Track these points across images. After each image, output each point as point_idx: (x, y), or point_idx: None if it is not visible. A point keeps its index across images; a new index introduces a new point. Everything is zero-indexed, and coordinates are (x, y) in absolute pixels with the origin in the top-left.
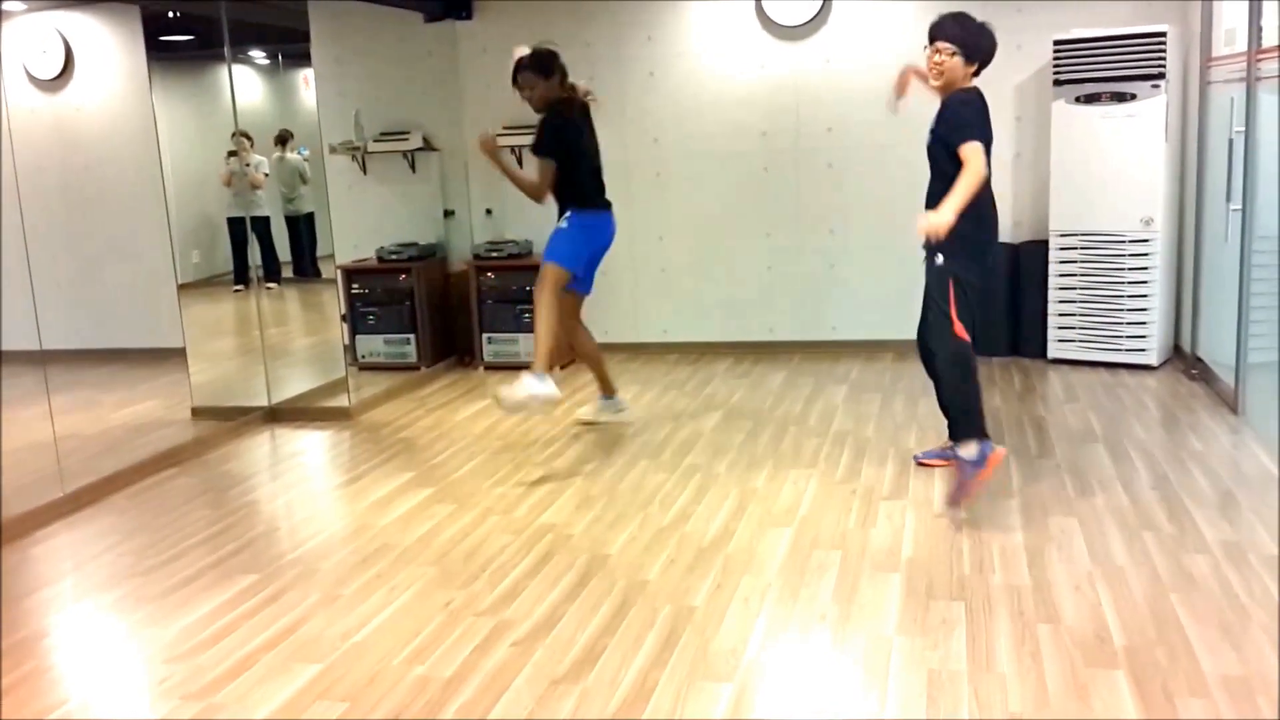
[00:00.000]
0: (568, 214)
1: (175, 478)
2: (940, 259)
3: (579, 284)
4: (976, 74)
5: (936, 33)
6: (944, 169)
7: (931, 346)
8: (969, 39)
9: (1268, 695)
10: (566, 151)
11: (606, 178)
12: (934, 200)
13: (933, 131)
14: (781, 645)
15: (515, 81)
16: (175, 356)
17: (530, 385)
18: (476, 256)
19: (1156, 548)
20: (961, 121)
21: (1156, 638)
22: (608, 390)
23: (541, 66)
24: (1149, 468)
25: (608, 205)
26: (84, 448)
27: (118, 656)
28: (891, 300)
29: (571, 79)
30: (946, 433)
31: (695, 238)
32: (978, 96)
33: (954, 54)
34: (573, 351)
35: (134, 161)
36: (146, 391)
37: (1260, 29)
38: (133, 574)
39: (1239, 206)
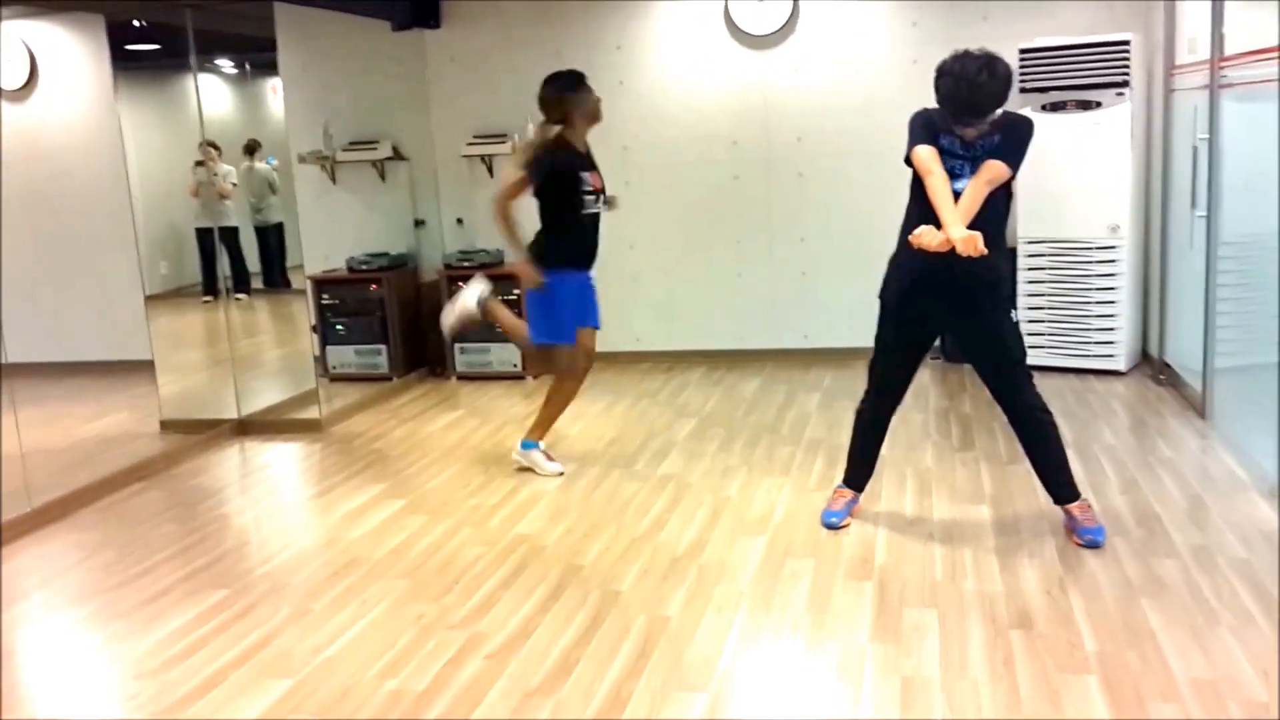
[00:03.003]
0: (548, 278)
1: (144, 491)
2: (1015, 313)
3: (590, 320)
4: None
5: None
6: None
7: (1029, 400)
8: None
9: (1237, 698)
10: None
11: None
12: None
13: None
14: (755, 654)
15: None
16: (143, 369)
17: (533, 460)
18: (448, 266)
19: (1126, 553)
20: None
21: (1127, 642)
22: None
23: (541, 96)
24: (1118, 473)
25: (589, 265)
26: (51, 462)
27: (87, 673)
28: (863, 308)
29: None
30: (1052, 497)
31: (666, 246)
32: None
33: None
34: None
35: (100, 172)
36: (114, 404)
37: (1222, 37)
38: (101, 589)
39: (1204, 213)
